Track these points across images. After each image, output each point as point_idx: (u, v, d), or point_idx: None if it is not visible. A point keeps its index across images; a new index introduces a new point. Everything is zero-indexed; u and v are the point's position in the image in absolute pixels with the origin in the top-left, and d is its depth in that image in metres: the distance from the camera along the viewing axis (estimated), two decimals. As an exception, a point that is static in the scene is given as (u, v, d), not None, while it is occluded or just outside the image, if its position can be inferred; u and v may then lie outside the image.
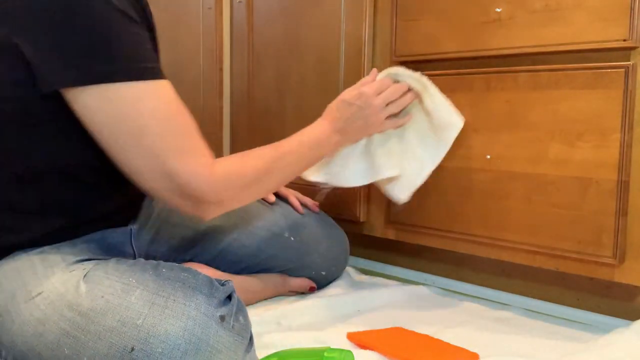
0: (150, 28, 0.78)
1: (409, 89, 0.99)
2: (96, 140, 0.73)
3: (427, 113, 0.98)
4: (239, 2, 1.41)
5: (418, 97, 0.99)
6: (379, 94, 0.96)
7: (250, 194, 0.84)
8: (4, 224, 0.78)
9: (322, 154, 0.95)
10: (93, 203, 0.82)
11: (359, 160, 1.01)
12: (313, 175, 1.02)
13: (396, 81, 0.99)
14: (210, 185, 0.74)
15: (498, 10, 0.96)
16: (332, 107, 0.97)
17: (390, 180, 1.01)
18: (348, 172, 1.01)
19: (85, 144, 0.75)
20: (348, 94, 0.97)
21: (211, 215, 0.78)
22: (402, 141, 1.01)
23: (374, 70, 1.02)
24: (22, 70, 0.70)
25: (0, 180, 0.77)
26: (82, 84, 0.69)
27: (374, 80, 0.99)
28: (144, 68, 0.71)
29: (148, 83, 0.71)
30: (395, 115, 1.00)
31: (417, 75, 0.98)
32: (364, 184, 1.03)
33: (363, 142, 1.01)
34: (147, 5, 0.77)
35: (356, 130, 0.96)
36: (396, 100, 0.98)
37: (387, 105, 0.97)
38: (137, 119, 0.70)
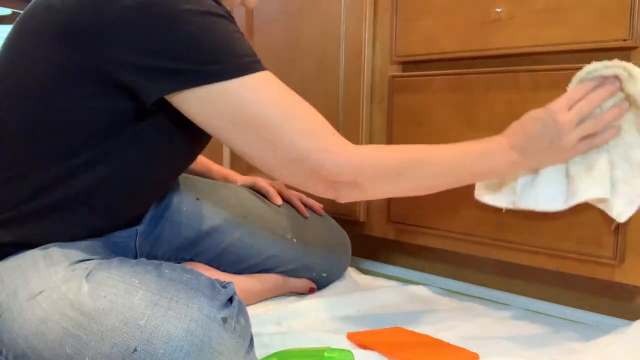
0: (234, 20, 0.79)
1: (610, 91, 0.78)
2: (224, 143, 0.74)
3: (636, 105, 0.78)
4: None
5: (627, 97, 0.79)
6: (570, 107, 0.79)
7: (391, 185, 0.77)
8: (20, 223, 0.78)
9: (490, 170, 0.82)
10: (119, 211, 0.83)
11: (551, 183, 0.85)
12: (487, 197, 0.90)
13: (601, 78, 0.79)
14: (343, 163, 0.72)
15: (498, 10, 0.96)
16: (516, 123, 0.82)
17: (602, 200, 0.83)
18: (536, 193, 0.85)
19: (137, 158, 0.77)
20: (535, 110, 0.81)
21: (349, 197, 0.76)
22: (610, 155, 0.82)
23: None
24: (109, 82, 0.71)
25: (31, 182, 0.76)
26: (193, 86, 0.69)
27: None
28: (249, 62, 0.72)
29: (256, 75, 0.71)
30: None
31: (614, 62, 0.78)
32: (562, 209, 0.85)
33: (556, 169, 0.84)
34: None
35: (540, 152, 0.79)
36: (595, 113, 0.80)
37: (582, 122, 0.79)
38: (257, 112, 0.70)
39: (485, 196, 0.90)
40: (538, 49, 0.93)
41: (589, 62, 0.88)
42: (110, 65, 0.70)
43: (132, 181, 0.80)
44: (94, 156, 0.75)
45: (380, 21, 1.15)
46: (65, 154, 0.75)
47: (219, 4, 0.74)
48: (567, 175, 0.84)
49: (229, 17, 0.74)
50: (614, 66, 0.77)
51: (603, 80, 0.79)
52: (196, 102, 0.71)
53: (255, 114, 0.71)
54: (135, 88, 0.71)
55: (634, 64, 0.84)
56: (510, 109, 0.96)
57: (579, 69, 0.87)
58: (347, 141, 0.74)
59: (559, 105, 0.79)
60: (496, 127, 0.98)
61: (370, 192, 0.77)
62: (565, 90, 0.83)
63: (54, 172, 0.75)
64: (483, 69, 1.00)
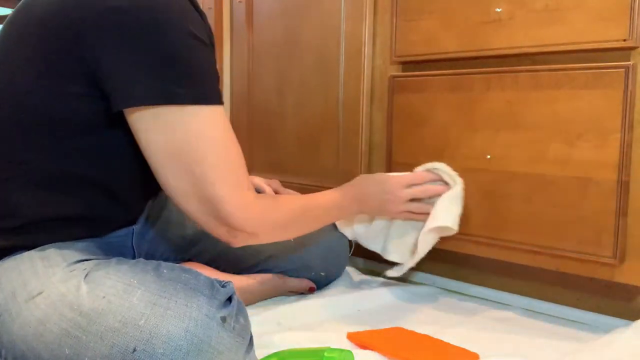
0: (214, 47, 0.81)
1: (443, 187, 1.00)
2: (147, 160, 0.75)
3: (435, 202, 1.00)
4: (239, 2, 1.42)
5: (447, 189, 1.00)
6: (409, 186, 0.99)
7: (281, 233, 0.88)
8: (16, 228, 0.78)
9: (343, 215, 1.02)
10: (113, 212, 0.84)
11: (378, 233, 1.08)
12: (344, 230, 1.13)
13: (438, 178, 1.01)
14: (250, 218, 0.77)
15: (498, 10, 0.96)
16: (361, 179, 1.02)
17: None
18: (368, 235, 1.10)
19: (126, 160, 0.77)
20: (382, 174, 1.03)
21: (242, 243, 0.81)
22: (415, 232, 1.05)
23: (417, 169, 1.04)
24: (92, 84, 0.71)
25: (23, 184, 0.76)
26: (154, 104, 0.70)
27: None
28: (212, 93, 0.73)
29: (213, 108, 0.73)
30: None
31: (449, 170, 1.00)
32: (376, 252, 1.10)
33: (383, 222, 1.08)
34: (210, 29, 0.80)
35: (371, 207, 1.01)
36: (422, 190, 1.00)
37: (411, 199, 0.99)
38: (196, 147, 0.72)
39: (341, 227, 1.13)
40: (538, 49, 0.93)
41: (589, 62, 0.88)
42: (90, 66, 0.70)
43: (120, 182, 0.80)
44: (78, 157, 0.76)
45: (380, 21, 1.15)
46: (51, 154, 0.75)
47: (206, 23, 0.75)
48: (387, 234, 1.08)
49: (209, 41, 0.75)
50: (452, 177, 0.99)
51: (439, 179, 1.01)
52: (145, 119, 0.71)
53: (196, 147, 0.72)
54: (106, 91, 0.71)
55: (633, 63, 0.84)
56: (510, 109, 0.96)
57: (579, 69, 0.87)
58: (255, 196, 0.79)
59: (401, 181, 0.99)
60: (496, 127, 0.98)
61: (264, 240, 0.84)
62: (565, 90, 0.84)
63: (42, 174, 0.76)
64: (483, 69, 1.00)
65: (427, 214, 0.99)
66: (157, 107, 0.70)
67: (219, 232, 0.78)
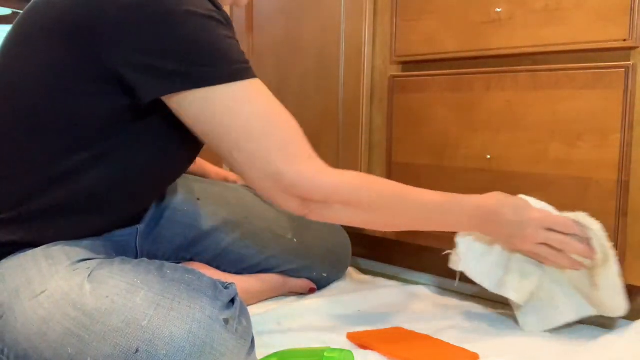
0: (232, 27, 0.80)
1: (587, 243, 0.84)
2: (203, 142, 0.75)
3: (593, 281, 0.85)
4: (239, 2, 1.42)
5: (591, 256, 0.83)
6: (550, 229, 0.84)
7: (362, 212, 0.79)
8: (22, 223, 0.78)
9: (449, 225, 0.87)
10: (121, 207, 0.83)
11: (493, 266, 0.92)
12: (454, 265, 0.96)
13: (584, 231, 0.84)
14: (316, 184, 0.75)
15: (498, 10, 0.96)
16: (502, 198, 0.85)
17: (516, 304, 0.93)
18: (478, 269, 0.93)
19: (130, 160, 0.77)
20: (524, 200, 0.87)
21: (320, 216, 0.78)
22: (542, 275, 0.90)
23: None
24: (111, 81, 0.71)
25: (30, 181, 0.76)
26: (187, 88, 0.70)
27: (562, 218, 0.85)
28: (241, 69, 0.73)
29: (246, 83, 0.73)
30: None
31: (604, 238, 0.82)
32: (489, 289, 0.93)
33: (504, 252, 0.92)
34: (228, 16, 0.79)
35: (497, 234, 0.88)
36: (562, 240, 0.84)
37: (547, 237, 0.84)
38: (241, 122, 0.72)
39: (452, 264, 0.96)
40: (538, 49, 0.93)
41: (589, 62, 0.88)
42: (108, 63, 0.70)
43: (131, 181, 0.80)
44: (91, 155, 0.75)
45: (380, 21, 1.15)
46: (63, 152, 0.75)
47: (218, 8, 0.74)
48: (507, 266, 0.91)
49: (226, 22, 0.75)
50: (604, 248, 0.82)
51: (585, 237, 0.83)
52: (188, 105, 0.71)
53: (239, 124, 0.72)
54: (132, 86, 0.71)
55: (633, 63, 0.84)
56: (510, 109, 0.96)
57: (579, 69, 0.87)
58: (323, 163, 0.76)
59: (544, 222, 0.84)
60: (496, 127, 0.98)
61: (341, 216, 0.79)
62: (565, 90, 0.85)
63: (52, 172, 0.75)
64: (483, 69, 1.00)
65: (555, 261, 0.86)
66: (190, 91, 0.70)
67: (292, 206, 0.76)
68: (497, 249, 0.92)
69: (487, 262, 0.93)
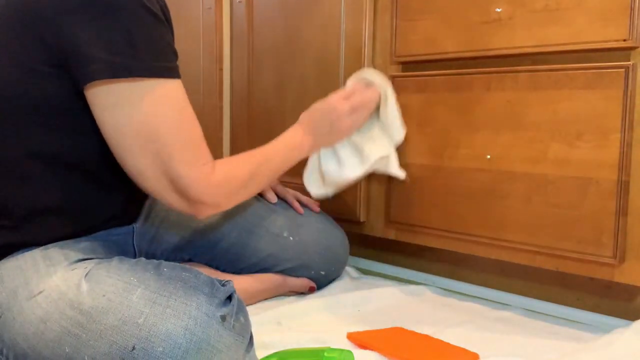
0: (171, 28, 0.81)
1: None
2: (106, 140, 0.75)
3: (380, 117, 1.06)
4: (239, 2, 1.42)
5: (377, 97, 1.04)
6: (347, 98, 1.01)
7: (242, 195, 0.88)
8: (11, 223, 0.78)
9: (300, 156, 0.99)
10: (103, 202, 0.83)
11: (350, 156, 1.05)
12: (318, 191, 1.09)
13: (370, 83, 1.05)
14: (209, 191, 0.79)
15: (498, 10, 0.96)
16: (305, 114, 1.02)
17: (384, 161, 1.06)
18: (344, 171, 1.05)
19: (101, 141, 0.76)
20: (319, 101, 1.02)
21: (205, 215, 0.82)
22: (378, 128, 1.07)
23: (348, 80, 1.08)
24: (58, 65, 0.72)
25: (9, 177, 0.77)
26: (102, 78, 0.70)
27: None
28: (165, 67, 0.73)
29: (165, 82, 0.73)
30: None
31: (381, 78, 1.04)
32: (362, 174, 1.05)
33: (347, 142, 1.05)
34: (166, 5, 0.80)
35: (324, 134, 1.01)
36: (364, 105, 1.02)
37: (354, 111, 1.01)
38: (150, 123, 0.72)
39: (314, 192, 1.09)
40: (538, 49, 0.93)
41: (589, 62, 0.88)
42: (52, 45, 0.71)
43: (102, 168, 0.81)
44: (59, 143, 0.76)
45: (380, 21, 1.15)
46: (32, 144, 0.76)
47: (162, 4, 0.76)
48: (356, 148, 1.05)
49: (164, 19, 0.76)
50: (382, 81, 1.04)
51: (370, 84, 1.05)
52: (105, 95, 0.72)
53: (146, 126, 0.72)
54: (71, 72, 0.72)
55: (633, 63, 0.84)
56: (510, 109, 0.96)
57: (579, 69, 0.87)
58: (211, 167, 0.79)
59: (337, 96, 1.01)
60: (496, 127, 0.98)
61: (226, 207, 0.86)
62: (565, 90, 0.84)
63: (22, 163, 0.76)
64: (483, 69, 1.00)
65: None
66: (109, 82, 0.70)
67: (182, 207, 0.79)
68: (342, 146, 1.05)
69: (343, 160, 1.05)
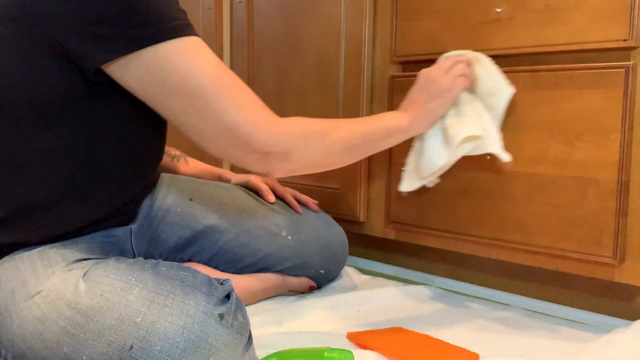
0: None
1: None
2: (156, 111, 0.73)
3: (478, 79, 0.96)
4: (239, 2, 1.42)
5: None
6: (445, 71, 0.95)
7: (319, 148, 0.81)
8: (6, 222, 0.78)
9: (399, 130, 0.93)
10: (100, 201, 0.82)
11: (436, 144, 0.97)
12: (410, 187, 1.02)
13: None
14: (276, 132, 0.74)
15: (498, 10, 0.96)
16: (409, 96, 0.96)
17: (476, 142, 0.96)
18: (429, 158, 0.97)
19: (99, 137, 0.75)
20: (426, 76, 0.95)
21: (280, 170, 0.78)
22: (472, 105, 0.96)
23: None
24: (61, 56, 0.70)
25: (5, 173, 0.76)
26: (129, 52, 0.68)
27: None
28: (181, 25, 0.71)
29: (188, 40, 0.71)
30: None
31: (474, 53, 0.97)
32: (451, 159, 0.96)
33: (439, 127, 0.97)
34: None
35: (426, 102, 0.93)
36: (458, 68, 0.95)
37: (453, 72, 0.94)
38: (189, 78, 0.70)
39: (406, 188, 1.03)
40: (538, 49, 0.93)
41: (589, 62, 0.88)
42: (57, 35, 0.69)
43: (104, 163, 0.79)
44: (60, 138, 0.75)
45: (380, 21, 1.15)
46: (28, 137, 0.74)
47: None
48: (444, 131, 0.95)
49: None
50: (475, 54, 0.96)
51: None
52: (133, 69, 0.70)
53: (187, 81, 0.70)
54: (77, 58, 0.70)
55: (633, 63, 0.84)
56: (510, 108, 0.96)
57: (579, 69, 0.87)
58: (275, 115, 0.75)
59: (437, 67, 0.95)
60: (496, 127, 0.98)
61: (300, 161, 0.79)
62: (565, 90, 0.85)
63: (24, 161, 0.75)
64: (483, 69, 1.00)
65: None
66: (135, 53, 0.69)
67: (251, 162, 0.75)
68: (428, 133, 0.97)
69: (431, 148, 0.97)
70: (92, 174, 0.78)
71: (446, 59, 0.97)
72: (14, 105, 0.73)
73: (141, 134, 0.82)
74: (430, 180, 1.03)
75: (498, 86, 0.95)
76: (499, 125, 0.96)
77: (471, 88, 0.96)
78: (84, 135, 0.76)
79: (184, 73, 0.70)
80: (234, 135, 0.72)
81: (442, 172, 1.00)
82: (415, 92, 0.95)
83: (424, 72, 0.95)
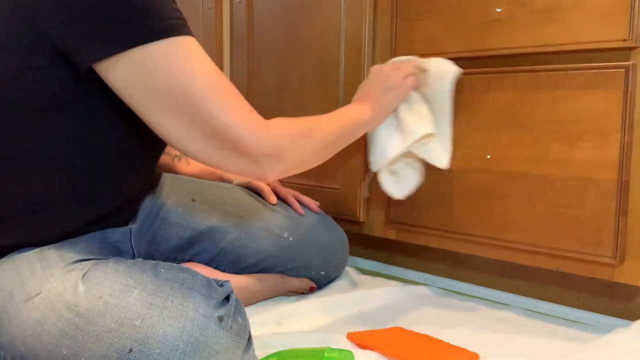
0: None
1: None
2: (138, 115, 0.71)
3: (426, 73, 1.02)
4: (239, 2, 1.42)
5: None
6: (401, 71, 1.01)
7: (307, 148, 0.82)
8: (4, 221, 0.78)
9: (363, 127, 0.98)
10: (98, 200, 0.82)
11: (393, 133, 1.02)
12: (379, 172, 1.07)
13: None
14: (265, 135, 0.73)
15: (498, 10, 0.96)
16: (360, 89, 1.02)
17: (427, 144, 1.02)
18: (387, 148, 1.02)
19: (97, 136, 0.75)
20: (379, 71, 1.03)
21: (273, 173, 0.77)
22: (425, 105, 1.03)
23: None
24: (54, 53, 0.69)
25: (3, 173, 0.76)
26: (112, 54, 0.67)
27: None
28: (175, 24, 0.69)
29: (181, 40, 0.69)
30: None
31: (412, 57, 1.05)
32: (403, 150, 1.01)
33: (392, 119, 1.03)
34: None
35: (378, 97, 0.99)
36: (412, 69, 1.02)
37: (405, 72, 1.01)
38: (179, 81, 0.68)
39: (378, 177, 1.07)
40: (538, 49, 0.93)
41: (589, 62, 0.88)
42: (49, 32, 0.68)
43: (101, 161, 0.78)
44: (55, 136, 0.74)
45: (380, 21, 1.15)
46: (23, 137, 0.73)
47: None
48: (399, 123, 1.01)
49: None
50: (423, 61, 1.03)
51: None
52: (121, 68, 0.68)
53: (176, 82, 0.68)
54: (70, 55, 0.69)
55: (633, 63, 0.84)
56: (510, 109, 0.96)
57: (579, 69, 0.87)
58: (263, 118, 0.75)
59: (387, 64, 1.03)
60: (496, 127, 0.98)
61: (292, 161, 0.79)
62: (565, 90, 0.85)
63: (21, 159, 0.74)
64: (483, 69, 1.00)
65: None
66: (124, 53, 0.67)
67: (242, 166, 0.74)
68: (386, 124, 1.03)
69: (384, 138, 1.02)
70: (90, 173, 0.78)
71: (395, 61, 1.06)
72: (8, 105, 0.72)
73: (139, 132, 0.82)
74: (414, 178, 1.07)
75: (444, 70, 1.00)
76: (450, 126, 1.02)
77: (420, 89, 1.03)
78: (80, 134, 0.75)
79: (174, 75, 0.68)
80: (223, 138, 0.71)
81: (392, 164, 1.05)
82: (368, 86, 1.01)
83: (376, 68, 1.03)
